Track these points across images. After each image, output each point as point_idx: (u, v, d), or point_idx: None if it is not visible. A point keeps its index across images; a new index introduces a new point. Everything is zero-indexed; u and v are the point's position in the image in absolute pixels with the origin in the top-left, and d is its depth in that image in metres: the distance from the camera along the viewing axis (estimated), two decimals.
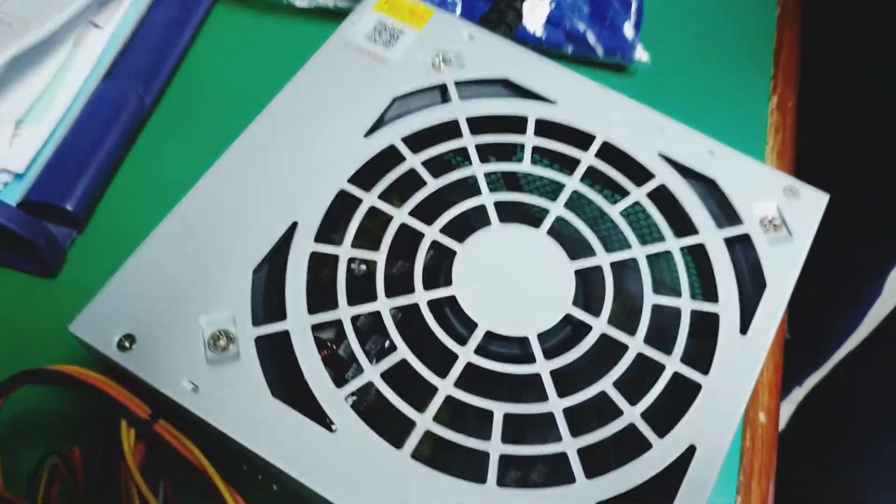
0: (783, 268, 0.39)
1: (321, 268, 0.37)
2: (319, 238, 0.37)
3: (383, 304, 0.36)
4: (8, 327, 0.44)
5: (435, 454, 0.35)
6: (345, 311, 0.36)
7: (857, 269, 0.87)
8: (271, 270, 0.37)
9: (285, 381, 0.35)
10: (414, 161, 0.40)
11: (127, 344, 0.34)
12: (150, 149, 0.51)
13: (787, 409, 0.87)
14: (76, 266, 0.47)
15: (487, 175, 0.40)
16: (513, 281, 0.38)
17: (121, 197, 0.50)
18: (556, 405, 0.35)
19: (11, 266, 0.46)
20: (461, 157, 0.41)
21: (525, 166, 0.41)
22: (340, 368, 0.37)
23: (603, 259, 0.38)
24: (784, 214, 0.40)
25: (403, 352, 0.35)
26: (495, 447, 0.33)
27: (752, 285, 0.39)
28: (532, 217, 0.40)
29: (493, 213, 0.39)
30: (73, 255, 0.47)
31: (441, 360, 0.35)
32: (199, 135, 0.51)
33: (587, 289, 0.38)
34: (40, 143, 0.48)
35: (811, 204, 0.41)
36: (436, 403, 0.34)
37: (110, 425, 0.36)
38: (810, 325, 0.91)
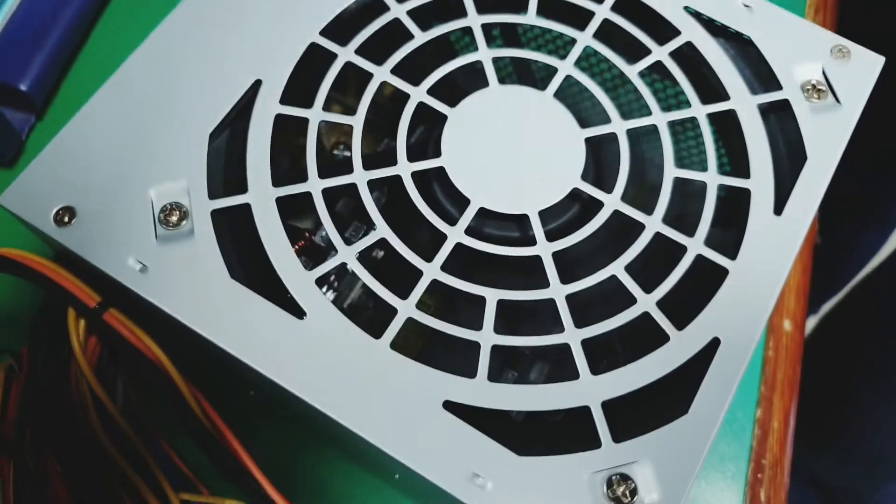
0: (827, 140, 0.33)
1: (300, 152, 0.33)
2: (286, 100, 0.32)
3: (360, 177, 0.31)
4: None
5: (420, 348, 0.31)
6: (315, 184, 0.31)
7: (885, 186, 0.82)
8: (231, 135, 0.32)
9: (247, 262, 0.30)
10: (399, 10, 0.34)
11: (66, 218, 0.30)
12: (117, 24, 0.47)
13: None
14: (35, 154, 0.42)
15: (486, 30, 0.35)
16: (512, 151, 0.33)
17: (84, 79, 0.45)
18: (557, 291, 0.30)
19: None
20: (455, 16, 0.36)
21: (530, 18, 0.35)
22: (318, 259, 0.32)
23: (618, 126, 0.33)
24: (830, 78, 0.35)
25: (383, 230, 0.31)
26: (487, 337, 0.29)
27: (789, 160, 0.34)
28: (537, 79, 0.35)
29: (491, 72, 0.34)
30: (33, 143, 0.43)
31: (428, 243, 0.31)
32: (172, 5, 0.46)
33: (599, 161, 0.33)
34: None
35: (863, 67, 0.35)
36: (420, 288, 0.30)
37: (58, 317, 0.32)
38: (831, 244, 0.86)
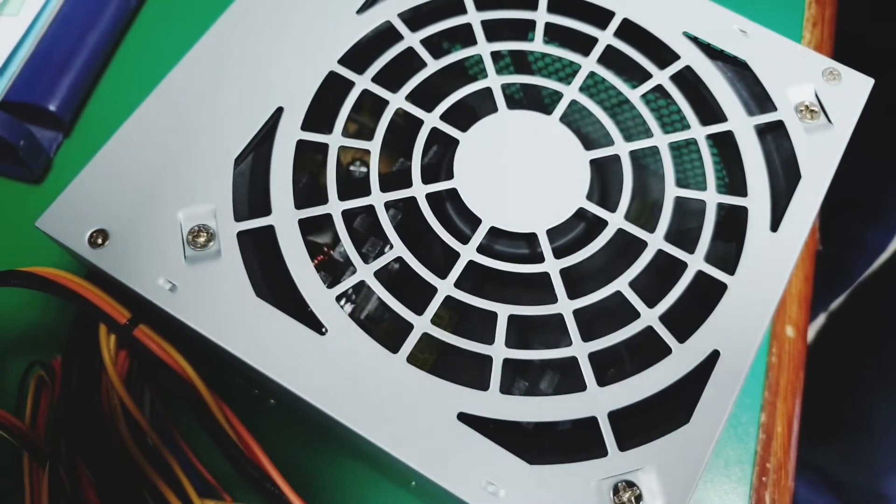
0: (820, 158, 0.35)
1: (318, 170, 0.34)
2: (307, 126, 0.34)
3: (377, 199, 0.33)
4: None
5: (435, 362, 0.33)
6: (335, 206, 0.33)
7: (889, 185, 0.83)
8: (255, 161, 0.34)
9: (271, 281, 0.32)
10: (412, 40, 0.36)
11: (99, 240, 0.32)
12: (141, 43, 0.48)
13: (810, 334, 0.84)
14: (63, 171, 0.44)
15: (495, 58, 0.36)
16: (521, 173, 0.34)
17: (110, 96, 0.46)
18: (565, 307, 0.32)
19: None
20: (465, 41, 0.37)
21: (537, 45, 0.37)
22: (337, 274, 0.34)
23: (621, 148, 0.35)
24: (822, 99, 0.36)
25: (399, 249, 0.32)
26: (498, 351, 0.31)
27: (784, 179, 0.35)
28: (543, 104, 0.36)
29: (500, 98, 0.35)
30: (60, 160, 0.45)
31: (442, 261, 0.32)
32: (193, 26, 0.47)
33: (603, 182, 0.35)
34: (18, 38, 0.45)
35: (853, 88, 0.37)
36: (435, 304, 0.31)
37: (89, 332, 0.33)
38: (838, 243, 0.87)
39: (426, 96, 0.35)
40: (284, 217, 0.32)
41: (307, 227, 0.33)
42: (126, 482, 0.32)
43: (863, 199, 0.83)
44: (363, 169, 0.37)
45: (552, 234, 0.33)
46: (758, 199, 0.34)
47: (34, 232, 0.32)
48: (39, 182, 0.44)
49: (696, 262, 0.33)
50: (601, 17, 0.37)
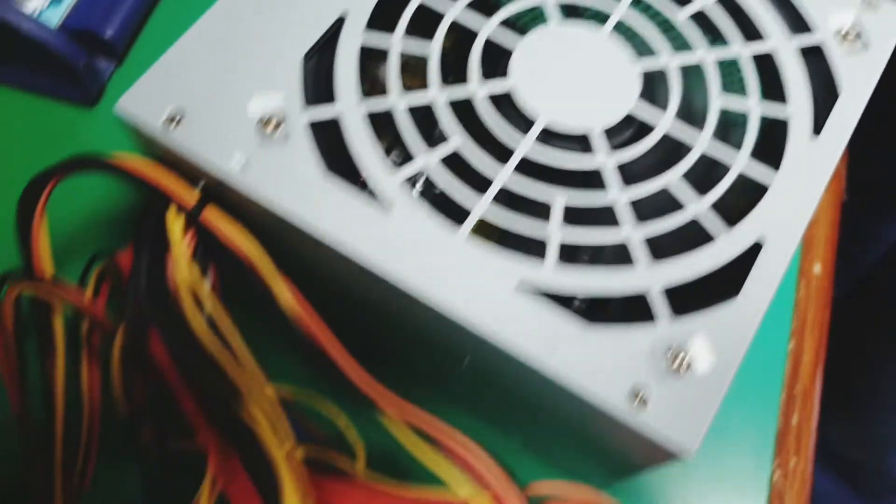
0: (858, 79, 0.37)
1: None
2: (372, 26, 0.36)
3: (436, 94, 0.35)
4: (45, 156, 0.43)
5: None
6: (396, 99, 0.34)
7: None
8: (321, 57, 0.35)
9: (337, 168, 0.33)
10: None
11: (174, 121, 0.33)
12: None
13: None
14: (115, 99, 0.45)
15: None
16: (574, 78, 0.36)
17: (162, 28, 0.48)
18: (619, 196, 0.33)
19: (51, 93, 0.45)
20: None
21: None
22: (400, 163, 0.35)
23: (670, 59, 0.36)
24: (861, 26, 0.38)
25: (457, 141, 0.34)
26: (554, 233, 0.32)
27: (823, 95, 0.37)
28: (596, 19, 0.38)
29: (554, 12, 0.37)
30: (111, 89, 0.46)
31: (497, 158, 0.34)
32: None
33: (652, 92, 0.36)
34: None
35: (890, 18, 0.39)
36: (491, 193, 0.33)
37: (158, 216, 0.34)
38: (854, 233, 0.88)
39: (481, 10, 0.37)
40: (351, 106, 0.34)
41: (372, 121, 0.34)
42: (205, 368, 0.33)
43: (877, 190, 0.84)
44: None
45: (606, 134, 0.35)
46: (799, 108, 0.36)
47: (105, 136, 0.33)
48: (92, 107, 0.45)
49: (741, 159, 0.34)
50: None
